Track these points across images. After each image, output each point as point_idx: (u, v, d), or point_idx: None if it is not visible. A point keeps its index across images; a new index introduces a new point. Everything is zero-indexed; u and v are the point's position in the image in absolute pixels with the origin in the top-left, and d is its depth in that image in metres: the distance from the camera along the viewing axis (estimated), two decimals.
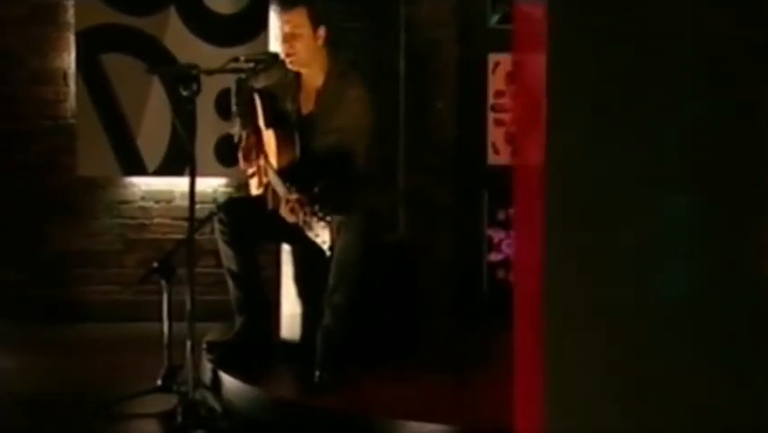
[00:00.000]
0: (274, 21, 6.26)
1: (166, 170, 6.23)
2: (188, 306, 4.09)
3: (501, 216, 6.28)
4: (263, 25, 6.22)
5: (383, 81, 5.92)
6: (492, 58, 6.23)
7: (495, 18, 6.25)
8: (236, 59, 4.40)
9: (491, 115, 6.26)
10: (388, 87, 5.99)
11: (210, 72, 4.24)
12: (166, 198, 6.34)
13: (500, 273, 6.29)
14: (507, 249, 6.29)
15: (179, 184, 6.28)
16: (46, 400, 4.62)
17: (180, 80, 4.02)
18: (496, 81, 6.25)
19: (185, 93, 4.03)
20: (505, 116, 6.26)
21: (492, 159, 6.26)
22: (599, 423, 1.60)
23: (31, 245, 6.27)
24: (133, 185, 6.33)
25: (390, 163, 6.12)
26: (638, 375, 1.55)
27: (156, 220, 6.35)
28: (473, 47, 6.24)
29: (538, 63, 1.92)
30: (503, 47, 6.18)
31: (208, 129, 5.83)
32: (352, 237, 4.29)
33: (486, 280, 6.27)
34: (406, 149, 6.22)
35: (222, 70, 4.33)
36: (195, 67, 4.07)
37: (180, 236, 6.10)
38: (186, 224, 6.18)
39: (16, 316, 6.07)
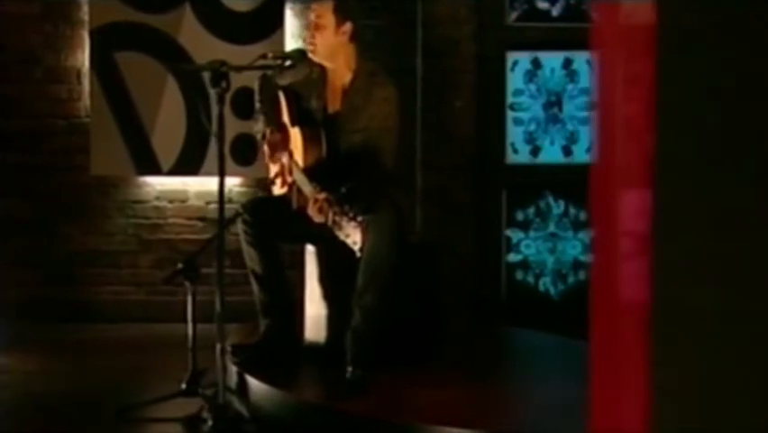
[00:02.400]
0: (290, 18, 6.20)
1: (180, 169, 6.17)
2: (217, 308, 4.03)
3: (520, 215, 6.24)
4: (279, 23, 6.17)
5: (401, 79, 5.86)
6: (510, 56, 6.20)
7: (513, 16, 6.20)
8: (264, 56, 4.33)
9: (510, 114, 6.22)
10: (405, 86, 5.93)
11: (239, 69, 4.16)
12: (180, 198, 6.28)
13: (519, 274, 6.25)
14: (526, 249, 6.25)
15: (194, 184, 6.23)
16: (61, 401, 4.57)
17: (211, 78, 3.94)
18: (514, 79, 6.21)
19: (213, 90, 3.96)
20: (524, 115, 6.23)
21: (511, 158, 6.22)
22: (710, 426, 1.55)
23: (44, 245, 6.21)
24: (147, 185, 6.27)
25: (408, 162, 6.07)
26: (752, 381, 1.50)
27: (170, 220, 6.29)
28: (491, 45, 6.20)
29: (622, 61, 1.88)
30: (521, 45, 6.18)
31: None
32: (382, 237, 4.20)
33: (504, 280, 6.22)
34: (424, 148, 6.18)
35: (250, 67, 4.25)
36: (224, 63, 3.98)
37: (194, 236, 6.10)
38: (200, 223, 6.22)
39: (29, 316, 6.03)
